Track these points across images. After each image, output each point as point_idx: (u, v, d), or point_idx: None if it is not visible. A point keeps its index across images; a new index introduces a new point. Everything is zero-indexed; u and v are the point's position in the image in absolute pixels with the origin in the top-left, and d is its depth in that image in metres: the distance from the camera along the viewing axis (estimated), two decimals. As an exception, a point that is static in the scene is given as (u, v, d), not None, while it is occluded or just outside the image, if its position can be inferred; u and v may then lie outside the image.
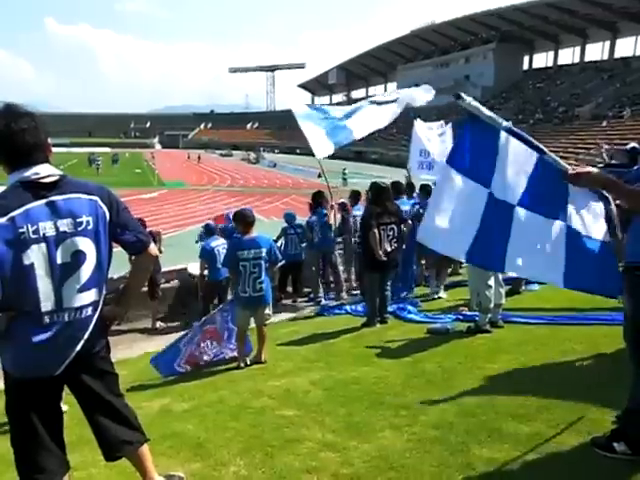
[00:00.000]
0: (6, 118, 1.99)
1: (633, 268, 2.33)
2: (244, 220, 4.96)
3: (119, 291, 2.37)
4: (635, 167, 6.02)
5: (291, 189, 33.83)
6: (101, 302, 2.13)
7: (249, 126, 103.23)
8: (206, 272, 7.55)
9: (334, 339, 5.52)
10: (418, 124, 9.93)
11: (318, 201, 8.18)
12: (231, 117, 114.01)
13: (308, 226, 8.71)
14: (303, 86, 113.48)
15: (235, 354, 5.08)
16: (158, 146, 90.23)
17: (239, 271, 4.81)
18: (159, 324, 7.93)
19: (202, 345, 5.14)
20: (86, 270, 2.04)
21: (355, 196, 8.75)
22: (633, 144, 7.43)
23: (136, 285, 2.41)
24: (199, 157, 63.79)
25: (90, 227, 2.03)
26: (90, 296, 2.07)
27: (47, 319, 1.97)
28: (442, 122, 10.24)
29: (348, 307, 7.20)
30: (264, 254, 4.81)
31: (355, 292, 8.32)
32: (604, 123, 38.35)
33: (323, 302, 7.96)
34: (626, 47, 71.20)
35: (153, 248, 2.30)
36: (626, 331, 2.42)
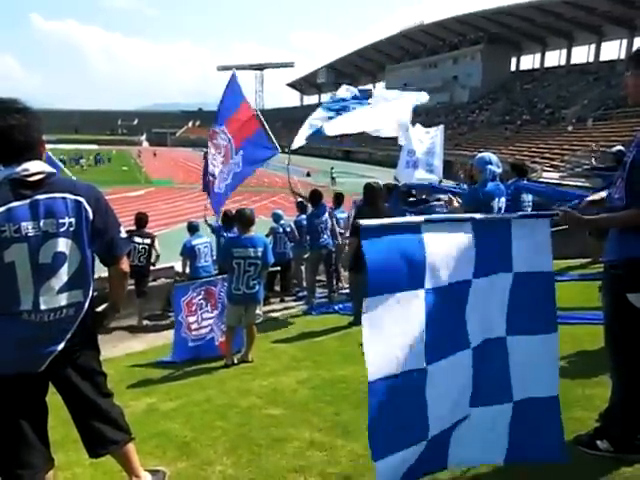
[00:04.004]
0: None
1: (609, 266, 2.36)
2: (243, 220, 4.97)
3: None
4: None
5: (279, 188, 33.74)
6: (87, 303, 2.11)
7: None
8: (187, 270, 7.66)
9: (322, 338, 5.53)
10: (415, 129, 10.10)
11: (318, 199, 8.06)
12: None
13: (296, 226, 8.71)
14: (292, 85, 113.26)
15: (223, 339, 5.20)
16: (145, 144, 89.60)
17: (232, 268, 4.82)
18: (146, 322, 7.88)
19: (200, 299, 5.38)
20: (66, 271, 2.02)
21: (338, 198, 8.74)
22: (619, 147, 7.53)
23: (114, 298, 2.34)
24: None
25: (72, 228, 2.01)
26: (72, 297, 2.04)
27: (26, 317, 1.96)
28: (441, 127, 10.39)
29: (336, 306, 7.21)
30: (260, 254, 4.82)
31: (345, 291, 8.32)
32: (570, 128, 38.96)
33: (317, 301, 7.95)
34: (611, 50, 72.24)
35: (124, 263, 2.24)
36: (604, 331, 2.46)
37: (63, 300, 2.02)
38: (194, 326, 5.38)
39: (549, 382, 2.09)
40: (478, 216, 1.98)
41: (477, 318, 1.94)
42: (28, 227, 1.92)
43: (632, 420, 2.37)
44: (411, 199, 8.15)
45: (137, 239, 7.70)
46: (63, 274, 2.01)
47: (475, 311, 1.94)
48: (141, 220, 7.95)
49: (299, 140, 7.29)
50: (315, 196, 7.97)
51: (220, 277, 5.53)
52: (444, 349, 1.85)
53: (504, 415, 2.04)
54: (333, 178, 35.15)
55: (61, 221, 1.98)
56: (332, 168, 37.62)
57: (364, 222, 1.69)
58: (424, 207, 7.51)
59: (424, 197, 8.28)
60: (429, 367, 1.79)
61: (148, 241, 7.87)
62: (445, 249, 1.86)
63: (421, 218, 1.84)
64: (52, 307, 2.00)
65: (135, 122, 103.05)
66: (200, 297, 5.40)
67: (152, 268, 8.37)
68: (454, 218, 1.96)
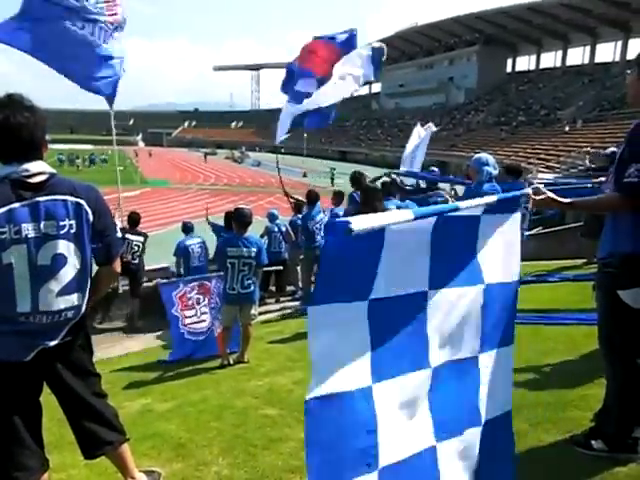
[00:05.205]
0: (5, 111, 1.93)
1: (602, 265, 2.37)
2: (241, 220, 4.96)
3: None
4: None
5: (275, 188, 33.70)
6: (84, 305, 2.10)
7: (233, 125, 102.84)
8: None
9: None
10: (425, 127, 10.69)
11: (314, 199, 8.09)
12: (215, 115, 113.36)
13: (291, 226, 8.72)
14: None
15: (220, 330, 5.20)
16: (141, 144, 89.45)
17: (227, 267, 4.82)
18: (140, 323, 7.86)
19: (194, 294, 5.44)
20: (66, 273, 2.01)
21: (338, 197, 8.74)
22: (612, 148, 7.59)
23: (95, 295, 2.24)
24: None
25: (73, 230, 2.00)
26: (71, 300, 2.03)
27: (23, 320, 1.95)
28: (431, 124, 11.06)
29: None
30: (254, 254, 4.81)
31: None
32: (567, 128, 39.16)
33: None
34: (606, 52, 72.67)
35: (117, 265, 2.27)
36: (598, 330, 2.47)
37: (62, 303, 2.01)
38: (190, 320, 5.40)
39: (506, 397, 1.91)
40: (447, 207, 1.66)
41: (442, 335, 1.71)
42: (28, 229, 1.91)
43: (626, 419, 2.38)
44: (408, 187, 8.14)
45: (131, 236, 7.73)
46: (63, 276, 2.00)
47: (439, 327, 1.70)
48: (134, 219, 7.96)
49: (281, 133, 7.35)
50: (310, 196, 7.98)
51: (215, 274, 5.54)
52: (396, 367, 1.60)
53: (474, 442, 1.79)
54: (332, 178, 35.37)
55: (62, 223, 1.97)
56: (334, 169, 37.79)
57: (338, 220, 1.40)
58: (423, 196, 7.46)
59: (422, 187, 8.27)
60: (375, 385, 1.53)
61: (141, 239, 7.89)
62: (400, 255, 1.56)
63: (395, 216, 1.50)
64: (51, 310, 1.98)
65: (131, 122, 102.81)
66: (195, 292, 5.44)
67: (147, 268, 8.37)
68: (422, 214, 1.57)
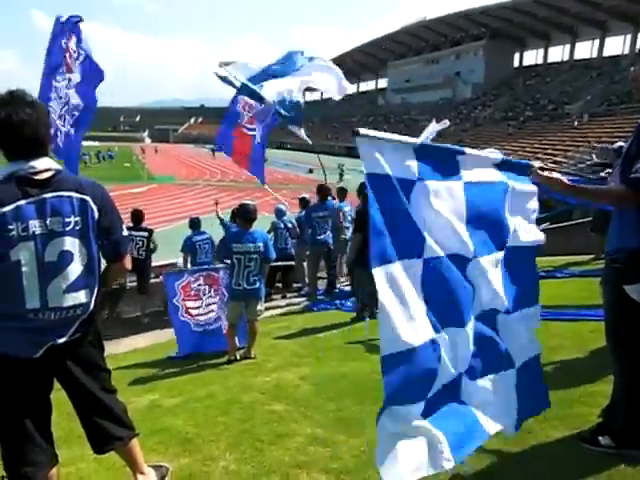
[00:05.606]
0: (7, 108, 1.93)
1: (610, 260, 2.36)
2: (245, 215, 4.95)
3: None
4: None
5: (281, 184, 33.74)
6: (92, 302, 2.10)
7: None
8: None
9: (323, 334, 5.53)
10: (440, 123, 10.79)
11: (325, 194, 8.10)
12: (221, 112, 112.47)
13: (298, 222, 8.73)
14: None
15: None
16: (148, 140, 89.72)
17: (233, 263, 4.81)
18: (148, 319, 7.90)
19: (200, 284, 5.42)
20: (73, 270, 2.01)
21: (341, 193, 8.74)
22: (620, 143, 7.53)
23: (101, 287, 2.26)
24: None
25: (78, 227, 2.00)
26: (79, 297, 2.04)
27: (32, 317, 1.95)
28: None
29: (337, 302, 7.22)
30: (260, 249, 4.81)
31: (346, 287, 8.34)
32: (576, 123, 38.85)
33: (319, 297, 7.98)
34: (615, 45, 71.98)
35: (127, 261, 2.27)
36: (605, 326, 2.46)
37: (70, 300, 2.01)
38: (196, 312, 5.41)
39: (536, 341, 2.22)
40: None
41: (479, 292, 1.93)
42: (35, 225, 1.91)
43: (634, 415, 2.37)
44: None
45: (134, 232, 7.75)
46: (70, 273, 2.00)
47: (476, 285, 1.92)
48: (137, 217, 7.99)
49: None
50: (320, 191, 7.99)
51: (222, 265, 5.52)
52: (450, 318, 1.79)
53: (510, 382, 2.07)
54: (341, 174, 35.39)
55: (67, 220, 1.97)
56: (342, 165, 37.78)
57: (363, 132, 1.67)
58: None
59: None
60: (438, 335, 1.73)
61: (145, 234, 7.92)
62: (441, 219, 1.79)
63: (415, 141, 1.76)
64: (59, 306, 1.99)
65: (137, 119, 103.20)
66: (200, 282, 5.42)
67: (154, 264, 8.40)
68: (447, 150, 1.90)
